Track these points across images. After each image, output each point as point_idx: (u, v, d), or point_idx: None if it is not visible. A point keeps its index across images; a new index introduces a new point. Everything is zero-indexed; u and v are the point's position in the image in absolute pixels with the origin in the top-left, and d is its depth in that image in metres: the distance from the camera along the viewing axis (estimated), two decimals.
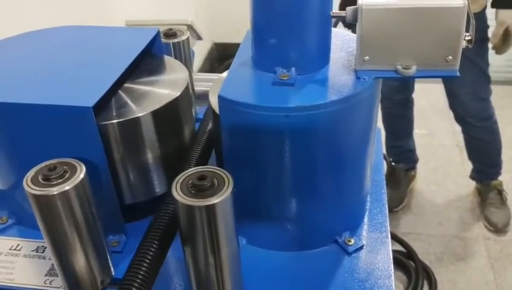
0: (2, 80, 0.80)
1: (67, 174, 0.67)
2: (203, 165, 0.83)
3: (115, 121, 0.76)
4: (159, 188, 0.87)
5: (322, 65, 0.76)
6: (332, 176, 0.76)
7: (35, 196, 0.64)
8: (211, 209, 0.61)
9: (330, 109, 0.67)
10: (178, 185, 0.64)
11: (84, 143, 0.74)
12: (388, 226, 0.85)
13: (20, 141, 0.76)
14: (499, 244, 2.37)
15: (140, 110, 0.79)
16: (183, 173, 0.66)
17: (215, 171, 0.66)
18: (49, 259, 0.82)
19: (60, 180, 0.66)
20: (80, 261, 0.70)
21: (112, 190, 0.80)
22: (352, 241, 0.81)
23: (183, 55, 1.10)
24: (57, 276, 0.79)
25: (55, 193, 0.64)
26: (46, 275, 0.79)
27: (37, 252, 0.83)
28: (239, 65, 0.78)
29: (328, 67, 0.76)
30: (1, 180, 0.85)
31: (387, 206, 0.89)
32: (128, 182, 0.84)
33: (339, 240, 0.82)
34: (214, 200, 0.61)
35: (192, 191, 0.63)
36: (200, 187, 0.62)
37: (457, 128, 2.47)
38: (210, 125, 0.89)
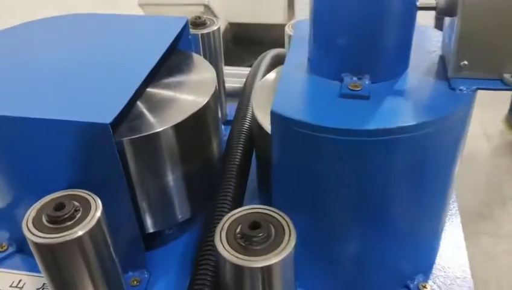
0: (4, 88, 0.65)
1: (79, 213, 0.52)
2: (240, 190, 0.67)
3: (129, 137, 0.62)
4: (182, 214, 0.73)
5: (401, 71, 0.59)
6: (410, 208, 0.60)
7: (39, 245, 0.50)
8: (266, 271, 0.46)
9: (421, 133, 0.52)
10: (223, 234, 0.49)
11: (99, 163, 0.60)
12: (468, 264, 0.70)
13: (25, 157, 0.62)
14: None
15: (160, 124, 0.63)
16: (228, 217, 0.51)
17: (271, 214, 0.50)
18: None
19: (70, 223, 0.51)
20: None
21: (132, 218, 0.65)
22: (428, 287, 0.66)
23: (213, 47, 0.94)
24: None
25: (65, 240, 0.50)
26: None
27: None
28: (292, 69, 0.62)
29: (408, 74, 0.59)
30: (2, 200, 0.71)
31: (463, 239, 0.74)
32: (149, 207, 0.69)
33: (411, 285, 0.66)
34: (272, 259, 0.46)
35: (242, 243, 0.48)
36: (253, 239, 0.47)
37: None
38: (244, 134, 0.73)
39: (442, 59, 0.61)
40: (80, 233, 0.50)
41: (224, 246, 0.48)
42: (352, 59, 0.57)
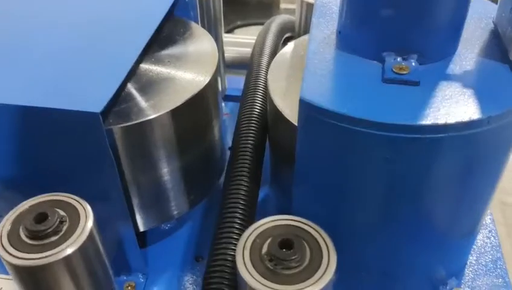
0: None
1: (66, 225, 0.42)
2: (255, 185, 0.58)
3: (118, 125, 0.52)
4: (179, 209, 0.64)
5: (452, 50, 0.50)
6: (453, 209, 0.52)
7: (17, 267, 0.40)
8: None
9: (485, 129, 0.42)
10: (246, 254, 0.40)
11: (88, 155, 0.51)
12: (505, 265, 0.63)
13: (6, 147, 0.52)
14: None
15: (153, 109, 0.53)
16: (251, 231, 0.41)
17: (303, 227, 0.41)
18: None
19: (55, 238, 0.41)
20: None
21: (125, 216, 0.57)
22: None
23: (212, 12, 0.82)
24: None
25: (50, 261, 0.40)
26: None
27: None
28: (320, 45, 0.52)
29: (459, 54, 0.50)
30: None
31: (498, 237, 0.66)
32: (143, 204, 0.60)
33: None
34: (309, 288, 0.37)
35: (270, 267, 0.39)
36: (285, 262, 0.38)
37: None
38: (255, 120, 0.63)
39: (497, 36, 0.52)
40: (69, 251, 0.41)
41: (248, 270, 0.39)
42: (398, 34, 0.47)
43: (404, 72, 0.46)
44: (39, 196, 0.44)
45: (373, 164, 0.45)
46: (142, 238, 0.65)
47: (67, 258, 0.41)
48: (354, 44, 0.50)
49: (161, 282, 0.62)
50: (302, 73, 0.49)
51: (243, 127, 0.63)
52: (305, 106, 0.45)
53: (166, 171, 0.59)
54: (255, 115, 0.63)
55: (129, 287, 0.60)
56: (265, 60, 0.75)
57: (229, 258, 0.49)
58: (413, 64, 0.47)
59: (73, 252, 0.41)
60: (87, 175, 0.52)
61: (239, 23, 2.40)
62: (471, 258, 0.64)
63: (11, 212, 0.42)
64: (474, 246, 0.65)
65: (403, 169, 0.45)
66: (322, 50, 0.51)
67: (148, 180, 0.58)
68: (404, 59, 0.47)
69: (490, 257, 0.64)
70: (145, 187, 0.59)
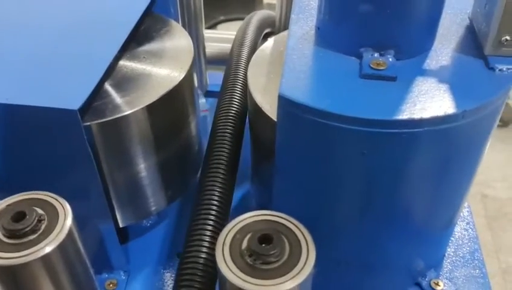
0: None
1: (44, 224, 0.42)
2: (231, 179, 0.58)
3: (93, 122, 0.51)
4: (156, 205, 0.64)
5: (428, 46, 0.50)
6: (430, 202, 0.53)
7: None
8: None
9: (460, 123, 0.43)
10: (226, 249, 0.40)
11: (68, 150, 0.51)
12: (482, 257, 0.64)
13: None
14: (497, 202, 2.21)
15: (128, 105, 0.53)
16: (230, 227, 0.42)
17: (283, 222, 0.42)
18: None
19: (34, 237, 0.41)
20: None
21: (105, 213, 0.56)
22: (441, 284, 0.60)
23: (193, 8, 0.82)
24: None
25: (29, 260, 0.40)
26: None
27: None
28: (299, 41, 0.52)
29: (435, 50, 0.50)
30: None
31: (476, 229, 0.67)
32: (120, 200, 0.59)
33: (423, 282, 0.60)
34: (289, 283, 0.38)
35: (250, 262, 0.39)
36: (264, 257, 0.39)
37: None
38: (233, 113, 0.63)
39: (472, 31, 0.52)
40: (48, 249, 0.40)
41: (228, 265, 0.39)
42: (375, 30, 0.47)
43: (382, 68, 0.46)
44: (16, 195, 0.44)
45: (351, 159, 0.46)
46: (123, 235, 0.65)
47: (46, 257, 0.40)
48: (332, 40, 0.50)
49: (142, 278, 0.62)
50: (282, 69, 0.50)
51: (220, 122, 0.63)
52: (284, 102, 0.45)
53: (143, 167, 0.59)
54: (232, 110, 0.63)
55: (111, 285, 0.60)
56: (244, 55, 0.75)
57: (202, 255, 0.49)
58: (390, 60, 0.47)
59: (52, 251, 0.40)
60: (65, 172, 0.52)
61: (221, 18, 2.39)
62: (449, 250, 0.65)
63: None
64: (452, 238, 0.66)
65: (381, 163, 0.45)
66: (301, 46, 0.51)
67: (125, 177, 0.58)
68: (381, 55, 0.48)
69: (468, 248, 0.65)
70: (122, 183, 0.58)
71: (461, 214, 0.68)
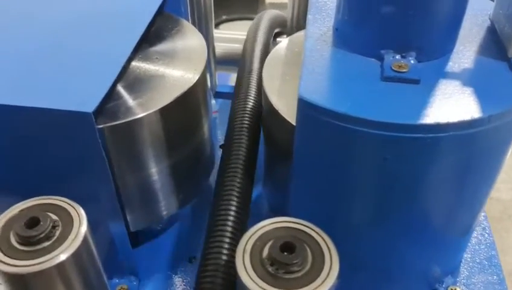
0: None
1: (59, 230, 0.41)
2: (248, 184, 0.57)
3: (105, 125, 0.50)
4: (168, 210, 0.63)
5: (450, 48, 0.49)
6: (450, 207, 0.51)
7: (9, 275, 0.38)
8: None
9: (487, 127, 0.42)
10: (246, 257, 0.39)
11: (81, 153, 0.50)
12: (500, 262, 0.63)
13: (1, 145, 0.51)
14: (501, 204, 2.19)
15: (141, 108, 0.52)
16: (251, 233, 0.40)
17: (304, 230, 0.41)
18: None
19: (48, 243, 0.40)
20: None
21: (118, 217, 0.55)
22: None
23: (203, 8, 0.81)
24: None
25: (43, 268, 0.38)
26: None
27: None
28: (316, 42, 0.51)
29: (457, 52, 0.49)
30: None
31: (493, 234, 0.66)
32: (132, 204, 0.58)
33: (440, 289, 0.59)
34: None
35: (272, 271, 0.38)
36: (287, 267, 0.38)
37: None
38: (249, 116, 0.62)
39: (494, 33, 0.51)
40: (63, 257, 0.39)
41: (248, 274, 0.38)
42: (397, 31, 0.46)
43: (404, 70, 0.45)
44: (30, 200, 0.42)
45: (372, 163, 0.45)
46: (134, 239, 0.63)
47: (60, 265, 0.39)
48: (351, 41, 0.49)
49: (154, 284, 0.61)
50: (297, 70, 0.48)
51: (237, 124, 0.61)
52: (304, 105, 0.44)
53: (155, 171, 0.58)
54: (248, 113, 0.62)
55: None
56: (257, 56, 0.74)
57: (222, 261, 0.48)
58: (412, 62, 0.46)
59: (67, 259, 0.39)
60: (78, 175, 0.51)
61: (224, 17, 2.38)
62: (466, 255, 0.64)
63: (1, 217, 0.41)
64: (469, 244, 0.65)
65: (402, 168, 0.44)
66: (319, 48, 0.50)
67: (137, 180, 0.57)
68: (402, 57, 0.47)
69: (485, 254, 0.64)
70: (134, 187, 0.57)
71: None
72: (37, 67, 0.51)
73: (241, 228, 0.51)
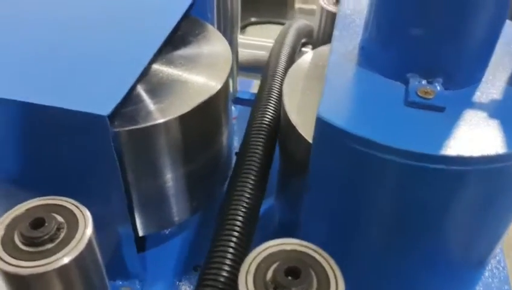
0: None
1: (63, 232, 0.40)
2: (259, 197, 0.55)
3: (123, 128, 0.49)
4: (179, 216, 0.62)
5: (479, 76, 0.47)
6: (469, 240, 0.49)
7: (11, 275, 0.38)
8: None
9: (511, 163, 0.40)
10: (250, 278, 0.38)
11: (93, 155, 0.49)
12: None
13: (13, 142, 0.50)
14: None
15: (161, 113, 0.51)
16: (255, 254, 0.39)
17: (310, 253, 0.39)
18: None
19: (51, 245, 0.39)
20: None
21: (125, 222, 0.55)
22: None
23: (230, 14, 0.80)
24: None
25: (46, 270, 0.38)
26: None
27: None
28: (341, 59, 0.49)
29: (486, 81, 0.47)
30: None
31: (507, 269, 0.64)
32: (143, 210, 0.57)
33: None
34: None
35: None
36: None
37: None
38: (266, 128, 0.61)
39: None
40: (66, 260, 0.39)
41: None
42: (425, 55, 0.45)
43: (429, 97, 0.44)
44: (36, 199, 0.42)
45: (389, 191, 0.43)
46: (141, 243, 0.63)
47: (63, 268, 0.38)
48: (377, 62, 0.48)
49: (157, 289, 0.60)
50: (319, 85, 0.47)
51: (253, 135, 0.60)
52: (322, 124, 0.43)
53: (170, 178, 0.57)
54: (265, 124, 0.61)
55: None
56: (281, 66, 0.73)
57: (222, 278, 0.46)
58: (439, 88, 0.44)
59: (70, 262, 0.39)
60: (89, 177, 0.51)
61: (252, 20, 2.37)
62: (478, 288, 0.61)
63: (5, 216, 0.40)
64: (482, 277, 0.62)
65: (421, 198, 0.43)
66: (343, 65, 0.49)
67: (150, 186, 0.56)
68: (429, 82, 0.45)
69: (496, 289, 0.62)
70: (147, 193, 0.57)
71: None
72: (57, 65, 0.51)
73: (245, 243, 0.50)
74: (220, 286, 0.46)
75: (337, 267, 0.39)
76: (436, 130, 0.41)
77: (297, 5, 2.47)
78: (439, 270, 0.50)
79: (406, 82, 0.45)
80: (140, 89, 0.54)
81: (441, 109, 0.43)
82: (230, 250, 0.48)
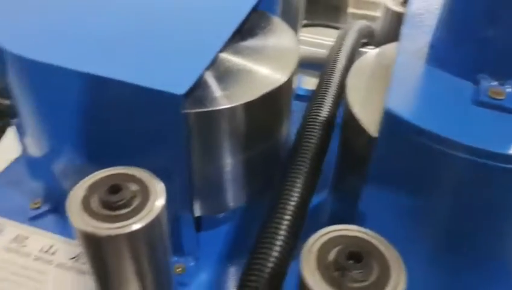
0: (79, 39, 0.55)
1: (137, 201, 0.43)
2: (311, 187, 0.56)
3: (194, 110, 0.51)
4: (235, 201, 0.63)
5: None
6: None
7: (85, 234, 0.41)
8: None
9: None
10: (312, 257, 0.39)
11: (161, 135, 0.52)
12: None
13: (80, 113, 0.54)
14: None
15: (227, 99, 0.53)
16: (318, 236, 0.40)
17: (374, 242, 0.40)
18: None
19: (125, 211, 0.42)
20: None
21: (186, 199, 0.56)
22: None
23: (294, 11, 0.81)
24: None
25: (118, 233, 0.40)
26: None
27: (76, 261, 0.62)
28: (409, 57, 0.50)
29: None
30: (44, 154, 0.63)
31: None
32: (201, 191, 0.59)
33: None
34: None
35: (335, 276, 0.38)
36: (352, 275, 0.37)
37: None
38: (321, 121, 0.61)
39: None
40: (135, 227, 0.41)
41: (312, 275, 0.38)
42: (498, 58, 0.45)
43: (500, 98, 0.44)
44: (113, 168, 0.44)
45: (454, 189, 0.44)
46: (197, 223, 0.65)
47: (133, 233, 0.41)
48: (447, 61, 0.48)
49: (210, 269, 0.62)
50: (383, 84, 0.48)
51: (308, 128, 0.61)
52: (389, 117, 0.43)
53: (229, 163, 0.59)
54: (321, 118, 0.61)
55: (179, 269, 0.61)
56: (340, 66, 0.73)
57: (272, 258, 0.47)
58: (510, 90, 0.44)
59: (140, 229, 0.41)
60: (156, 154, 0.53)
61: (305, 22, 2.38)
62: None
63: (85, 180, 0.43)
64: None
65: (487, 198, 0.43)
66: (412, 63, 0.49)
67: (210, 169, 0.58)
68: (500, 84, 0.45)
69: None
70: (206, 175, 0.59)
71: None
72: (135, 48, 0.54)
73: (294, 232, 0.51)
74: (267, 271, 0.47)
75: (400, 258, 0.39)
76: (505, 130, 0.41)
77: (350, 10, 2.46)
78: (495, 274, 0.50)
79: (476, 82, 0.46)
80: (209, 76, 0.56)
81: (510, 111, 0.43)
82: (279, 237, 0.49)
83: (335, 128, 0.62)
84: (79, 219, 0.41)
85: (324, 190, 0.69)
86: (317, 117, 0.62)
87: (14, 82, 0.57)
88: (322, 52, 0.85)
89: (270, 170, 0.67)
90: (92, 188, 0.43)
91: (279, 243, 0.49)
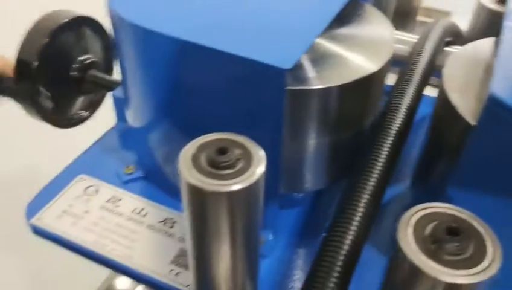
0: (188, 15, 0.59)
1: (240, 164, 0.46)
2: (388, 170, 0.56)
3: (290, 87, 0.54)
4: (315, 183, 0.65)
5: None
6: None
7: (192, 187, 0.44)
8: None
9: None
10: (409, 229, 0.40)
11: (264, 108, 0.54)
12: None
13: (184, 83, 0.57)
14: None
15: (321, 80, 0.55)
16: (415, 210, 0.42)
17: (471, 222, 0.41)
18: (179, 239, 0.64)
19: (229, 172, 0.45)
20: (225, 276, 0.51)
21: (275, 173, 0.59)
22: None
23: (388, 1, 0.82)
24: (185, 268, 0.61)
25: (220, 190, 0.43)
26: (172, 262, 0.62)
27: (164, 224, 0.66)
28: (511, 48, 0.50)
29: None
30: (141, 123, 0.67)
31: None
32: (287, 167, 0.62)
33: None
34: (473, 277, 0.37)
35: (433, 248, 0.39)
36: (448, 247, 0.38)
37: None
38: (403, 111, 0.61)
39: None
40: (239, 187, 0.44)
41: (412, 248, 0.39)
42: None
43: None
44: (221, 132, 0.48)
45: None
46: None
47: (233, 193, 0.43)
48: None
49: (285, 246, 0.64)
50: (481, 74, 0.48)
51: (388, 116, 0.61)
52: (493, 103, 0.44)
53: (314, 143, 0.61)
54: (402, 109, 0.62)
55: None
56: (424, 61, 0.73)
57: (351, 232, 0.49)
58: None
59: (241, 190, 0.44)
60: (253, 127, 0.55)
61: None
62: None
63: (196, 140, 0.47)
64: None
65: None
66: None
67: (295, 147, 0.61)
68: None
69: None
70: (292, 153, 0.61)
71: None
72: (243, 27, 0.57)
73: (369, 215, 0.52)
74: (343, 253, 0.48)
75: (495, 237, 0.40)
76: None
77: (419, 18, 2.42)
78: None
79: None
80: (304, 59, 0.59)
81: None
82: (355, 219, 0.50)
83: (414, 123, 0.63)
84: (188, 172, 0.44)
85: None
86: (399, 106, 0.63)
87: (129, 53, 0.61)
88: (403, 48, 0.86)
89: (352, 157, 0.68)
90: (202, 148, 0.46)
91: (353, 227, 0.50)
